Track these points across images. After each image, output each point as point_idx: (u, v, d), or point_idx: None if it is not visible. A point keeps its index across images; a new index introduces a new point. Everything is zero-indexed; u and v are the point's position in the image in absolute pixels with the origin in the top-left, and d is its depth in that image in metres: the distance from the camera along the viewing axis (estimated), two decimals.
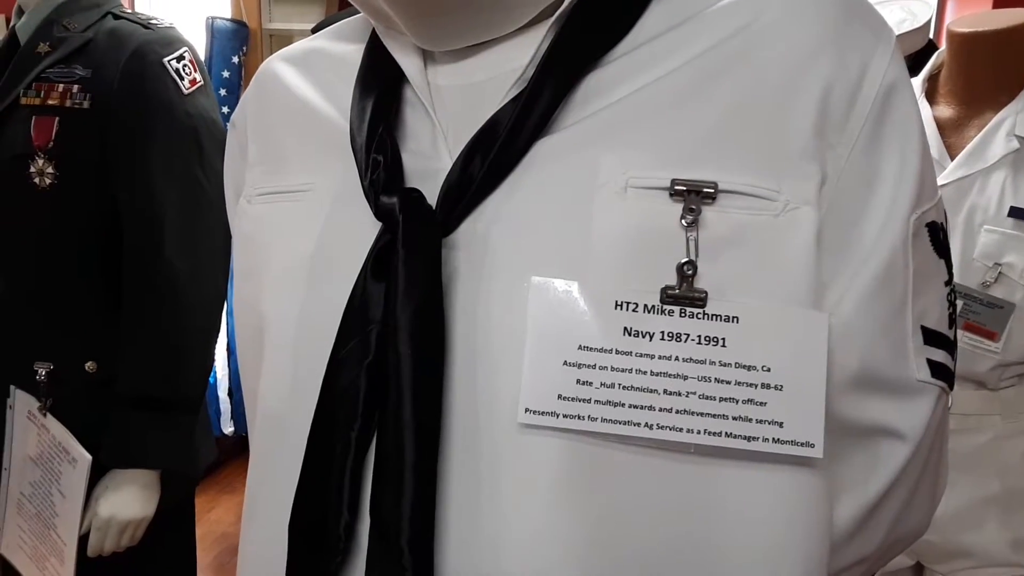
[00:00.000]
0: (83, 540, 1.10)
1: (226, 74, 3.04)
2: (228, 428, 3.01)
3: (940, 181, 1.00)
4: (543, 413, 0.43)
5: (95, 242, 1.10)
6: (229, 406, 3.01)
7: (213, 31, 3.01)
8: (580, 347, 0.44)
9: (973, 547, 1.05)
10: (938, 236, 0.49)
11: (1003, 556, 1.05)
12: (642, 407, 0.43)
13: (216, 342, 1.19)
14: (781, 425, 0.43)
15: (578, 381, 0.43)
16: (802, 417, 0.43)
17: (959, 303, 1.02)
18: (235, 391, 2.98)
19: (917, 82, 1.12)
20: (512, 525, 0.44)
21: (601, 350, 0.44)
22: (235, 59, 3.09)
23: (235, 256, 0.60)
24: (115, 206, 1.09)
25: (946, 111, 1.11)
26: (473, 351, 0.45)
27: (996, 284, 1.02)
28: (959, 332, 1.03)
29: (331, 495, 0.46)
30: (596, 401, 0.43)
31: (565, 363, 0.44)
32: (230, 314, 2.80)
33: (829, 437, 0.46)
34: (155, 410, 1.09)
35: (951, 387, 0.50)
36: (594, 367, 0.43)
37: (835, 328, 0.45)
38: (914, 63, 1.38)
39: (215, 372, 2.82)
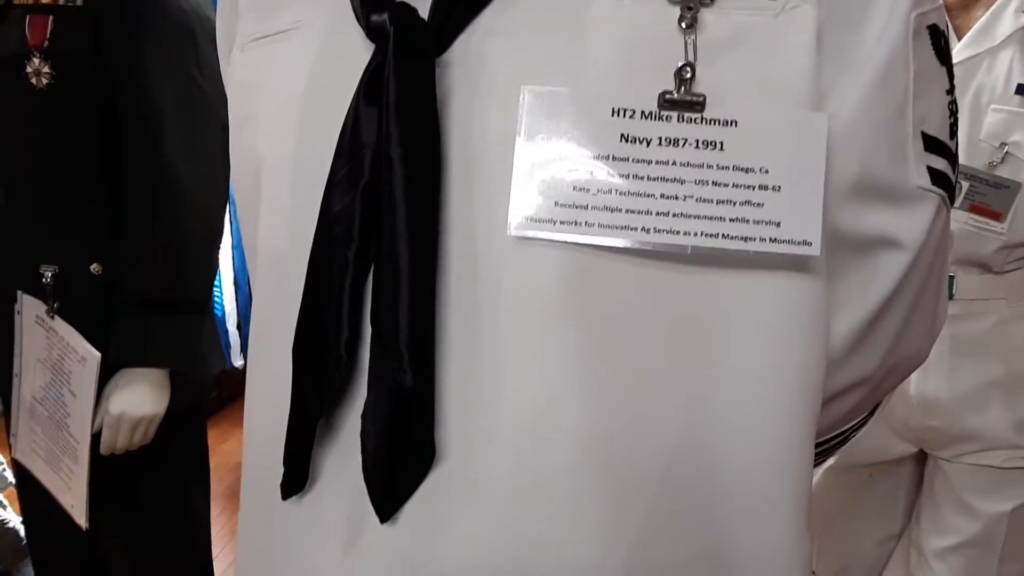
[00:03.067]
0: (96, 440, 1.12)
1: None
2: (238, 362, 3.03)
3: None
4: (539, 221, 0.43)
5: (95, 143, 1.10)
6: (238, 339, 3.03)
7: None
8: (577, 154, 0.43)
9: (977, 430, 1.06)
10: (939, 42, 0.48)
11: (1007, 438, 1.06)
12: (639, 212, 0.43)
13: (220, 245, 1.19)
14: (779, 225, 0.43)
15: (574, 188, 0.43)
16: (800, 216, 0.43)
17: (964, 184, 1.02)
18: (244, 324, 3.00)
19: None
20: (510, 335, 0.44)
21: (598, 157, 0.43)
22: None
23: (231, 107, 0.60)
24: (114, 105, 1.09)
25: None
26: (469, 167, 0.45)
27: (1002, 164, 1.01)
28: (964, 214, 1.03)
29: (330, 315, 0.46)
30: (593, 207, 0.43)
31: (562, 170, 0.43)
32: (235, 248, 2.82)
33: (827, 253, 0.46)
34: (160, 310, 1.10)
35: (951, 200, 0.50)
36: (591, 174, 0.43)
37: (834, 131, 0.44)
38: None
39: (222, 305, 2.84)
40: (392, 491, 0.46)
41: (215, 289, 2.53)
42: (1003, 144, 1.00)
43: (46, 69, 1.07)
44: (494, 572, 0.45)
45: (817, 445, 0.53)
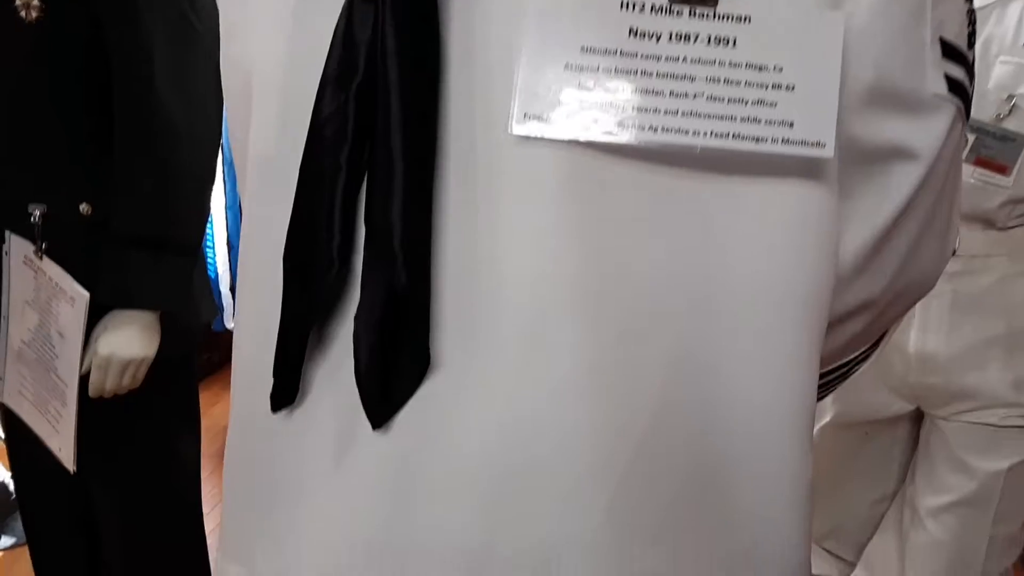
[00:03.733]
0: (84, 382, 1.11)
1: None
2: (230, 324, 3.01)
3: None
4: (542, 119, 0.41)
5: (85, 79, 1.08)
6: (231, 302, 3.00)
7: None
8: (583, 49, 0.41)
9: (976, 388, 1.05)
10: None
11: (1005, 396, 1.05)
12: (646, 110, 0.41)
13: (211, 188, 1.17)
14: (791, 125, 0.41)
15: (579, 85, 0.41)
16: (813, 116, 0.41)
17: (971, 137, 1.00)
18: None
19: None
20: (509, 239, 0.43)
21: (605, 52, 0.41)
22: None
23: (221, 17, 0.58)
24: (104, 41, 1.06)
25: None
26: (469, 63, 0.43)
27: (1010, 116, 0.99)
28: (969, 168, 1.01)
29: (321, 219, 0.45)
30: (598, 105, 0.41)
31: (566, 66, 0.42)
32: (228, 209, 2.79)
33: (839, 166, 0.44)
34: (149, 250, 1.08)
35: (967, 115, 0.48)
36: (597, 70, 0.41)
37: (850, 34, 0.42)
38: None
39: (215, 267, 2.82)
40: (385, 397, 0.45)
41: (208, 251, 2.50)
42: (1011, 96, 0.99)
43: (35, 2, 1.04)
44: (488, 483, 0.44)
45: (819, 377, 0.51)
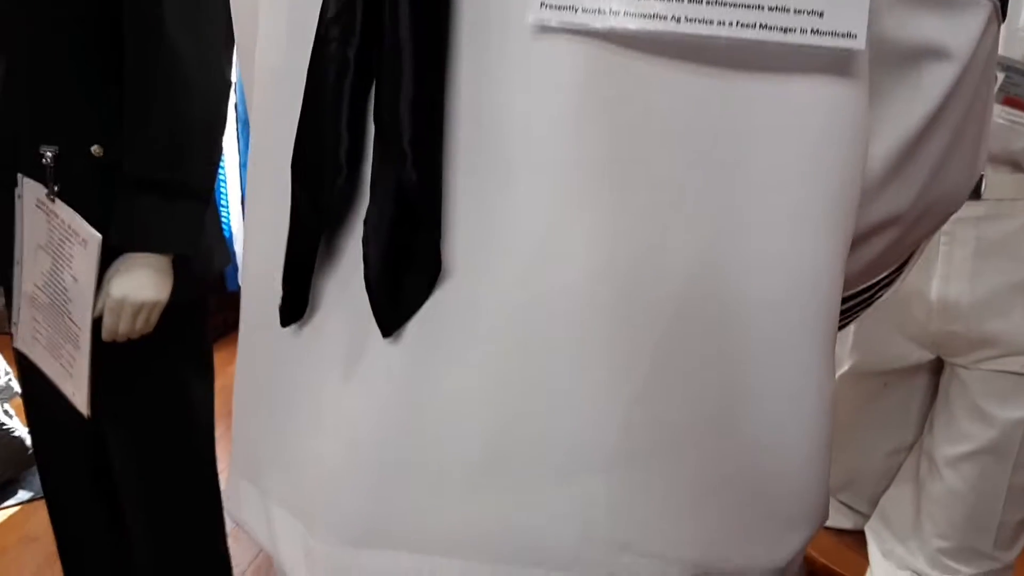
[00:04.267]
0: (97, 326, 1.10)
1: None
2: None
3: None
4: (560, 8, 0.40)
5: (96, 20, 1.06)
6: None
7: None
8: None
9: (998, 335, 1.03)
10: None
11: None
12: None
13: (223, 132, 1.16)
14: (821, 15, 0.39)
15: None
16: (844, 6, 0.39)
17: (1000, 75, 0.97)
18: None
19: None
20: (524, 138, 0.41)
21: None
22: None
23: None
24: None
25: None
26: None
27: None
28: (997, 107, 0.99)
29: (329, 121, 0.44)
30: None
31: None
32: (243, 167, 2.78)
33: (870, 67, 0.43)
34: (160, 193, 1.07)
35: (1003, 16, 0.46)
36: None
37: None
38: None
39: (230, 226, 2.81)
40: (396, 305, 0.44)
41: (222, 210, 2.49)
42: None
43: None
44: (500, 395, 0.43)
45: (842, 302, 0.50)
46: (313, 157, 0.45)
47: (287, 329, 0.50)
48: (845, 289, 0.49)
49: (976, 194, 1.03)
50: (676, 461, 0.44)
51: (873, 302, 0.60)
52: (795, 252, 0.43)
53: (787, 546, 0.48)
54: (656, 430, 0.43)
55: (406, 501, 0.44)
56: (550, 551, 0.43)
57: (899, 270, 0.58)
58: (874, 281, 0.57)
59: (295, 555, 0.49)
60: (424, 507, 0.44)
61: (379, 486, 0.45)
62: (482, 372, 0.43)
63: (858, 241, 0.49)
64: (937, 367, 1.16)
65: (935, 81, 0.44)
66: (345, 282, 0.47)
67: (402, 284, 0.43)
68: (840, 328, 0.51)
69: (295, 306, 0.48)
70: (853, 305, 0.58)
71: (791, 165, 0.42)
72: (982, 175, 1.03)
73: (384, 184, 0.42)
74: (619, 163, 0.41)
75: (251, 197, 0.53)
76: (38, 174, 1.10)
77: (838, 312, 0.47)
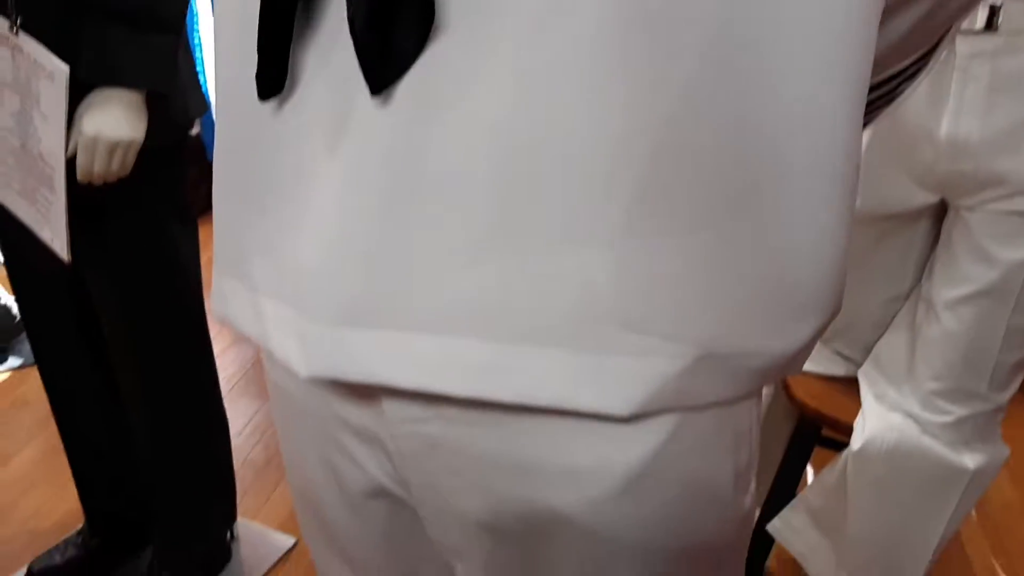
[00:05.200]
0: (72, 168, 1.06)
1: None
2: None
3: None
4: None
5: None
6: None
7: None
8: None
9: (1007, 174, 1.00)
10: None
11: None
12: None
13: None
14: None
15: None
16: None
17: None
18: None
19: None
20: None
21: None
22: None
23: None
24: None
25: None
26: None
27: None
28: None
29: None
30: None
31: None
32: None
33: None
34: (129, 25, 1.01)
35: None
36: None
37: None
38: None
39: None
40: (386, 59, 0.39)
41: (199, 76, 2.40)
42: None
43: None
44: (499, 159, 0.39)
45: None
46: None
47: (266, 109, 0.46)
48: (873, 75, 0.45)
49: (992, 26, 0.98)
50: (689, 236, 0.41)
51: (896, 96, 0.56)
52: (818, 18, 0.39)
53: (796, 335, 0.46)
54: (669, 199, 0.40)
55: (401, 276, 0.42)
56: (549, 327, 0.41)
57: (924, 59, 0.54)
58: (899, 70, 0.53)
59: (288, 343, 0.47)
60: (421, 282, 0.42)
61: (373, 261, 0.42)
62: (480, 133, 0.39)
63: (889, 11, 0.45)
64: (940, 212, 1.13)
65: None
66: (327, 49, 0.42)
67: (392, 38, 0.39)
68: (863, 126, 0.48)
69: (273, 75, 0.44)
70: (876, 98, 0.55)
71: None
72: (999, 6, 0.98)
73: None
74: None
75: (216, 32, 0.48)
76: None
77: (864, 94, 0.44)
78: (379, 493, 0.55)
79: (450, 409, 0.45)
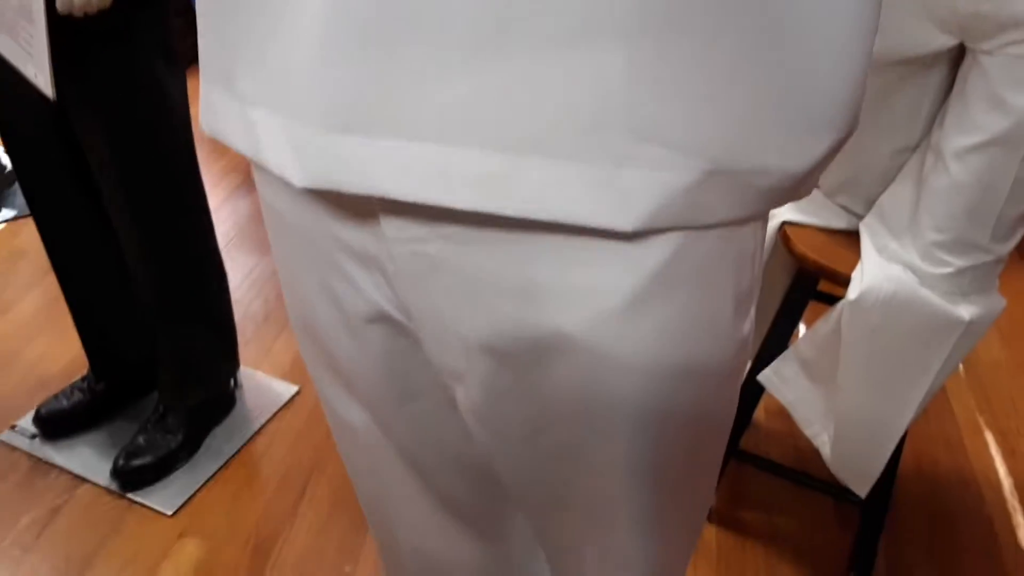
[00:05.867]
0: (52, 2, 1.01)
1: None
2: None
3: None
4: None
5: None
6: None
7: None
8: None
9: None
10: None
11: None
12: None
13: None
14: None
15: None
16: None
17: None
18: None
19: None
20: None
21: None
22: None
23: None
24: None
25: None
26: None
27: None
28: None
29: None
30: None
31: None
32: None
33: None
34: None
35: None
36: None
37: None
38: None
39: None
40: None
41: None
42: None
43: None
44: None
45: None
46: None
47: None
48: None
49: None
50: (704, 40, 0.38)
51: None
52: None
53: (810, 152, 0.44)
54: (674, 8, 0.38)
55: (400, 77, 0.40)
56: (556, 136, 0.39)
57: None
58: None
59: (282, 153, 0.45)
60: (418, 84, 0.39)
61: (364, 62, 0.40)
62: None
63: None
64: (956, 59, 1.09)
65: None
66: None
67: None
68: None
69: None
70: None
71: None
72: None
73: None
74: None
75: None
76: None
77: None
78: (379, 318, 0.54)
79: (451, 227, 0.44)
